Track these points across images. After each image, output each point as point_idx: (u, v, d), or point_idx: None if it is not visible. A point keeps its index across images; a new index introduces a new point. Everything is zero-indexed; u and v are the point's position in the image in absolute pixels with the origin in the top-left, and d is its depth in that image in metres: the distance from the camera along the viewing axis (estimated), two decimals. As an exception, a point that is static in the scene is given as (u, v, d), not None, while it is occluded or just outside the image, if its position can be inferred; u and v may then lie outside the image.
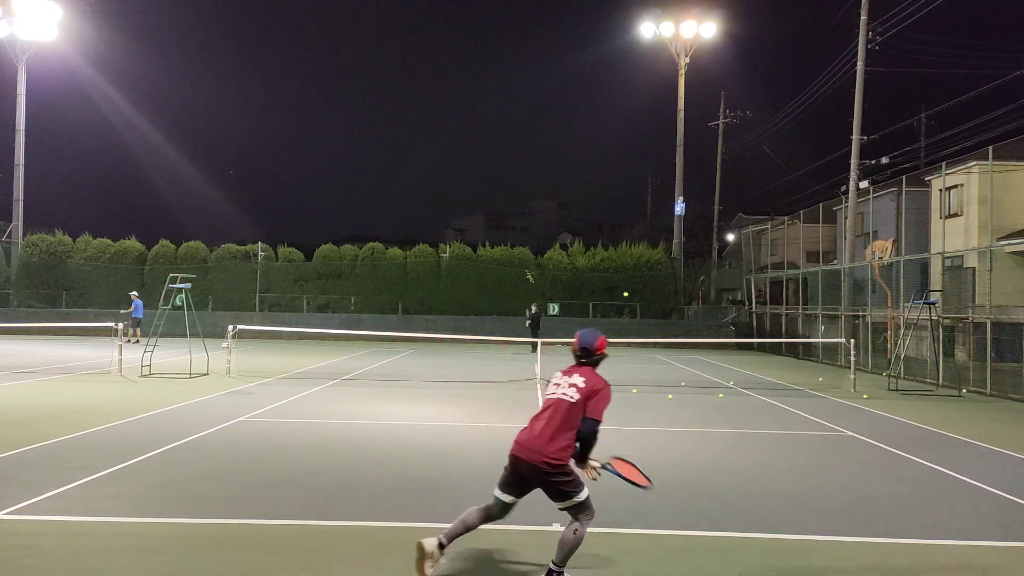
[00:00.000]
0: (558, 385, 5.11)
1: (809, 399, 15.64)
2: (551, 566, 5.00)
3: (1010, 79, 42.10)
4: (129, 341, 26.04)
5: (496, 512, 5.18)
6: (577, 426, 4.97)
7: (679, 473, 8.51)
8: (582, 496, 4.99)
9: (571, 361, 5.30)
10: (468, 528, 5.15)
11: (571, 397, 4.98)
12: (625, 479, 5.36)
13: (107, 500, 6.90)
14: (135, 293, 29.12)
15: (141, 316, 27.56)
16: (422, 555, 4.96)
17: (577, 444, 5.01)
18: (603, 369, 5.33)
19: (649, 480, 5.46)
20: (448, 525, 6.39)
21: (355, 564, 5.47)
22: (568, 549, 4.95)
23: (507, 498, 5.15)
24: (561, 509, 5.05)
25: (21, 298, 36.56)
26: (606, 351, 5.27)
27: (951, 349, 19.87)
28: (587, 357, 5.20)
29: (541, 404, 5.13)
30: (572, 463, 5.03)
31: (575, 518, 5.00)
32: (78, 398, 13.34)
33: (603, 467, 5.28)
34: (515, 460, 5.04)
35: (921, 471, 8.94)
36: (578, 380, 5.04)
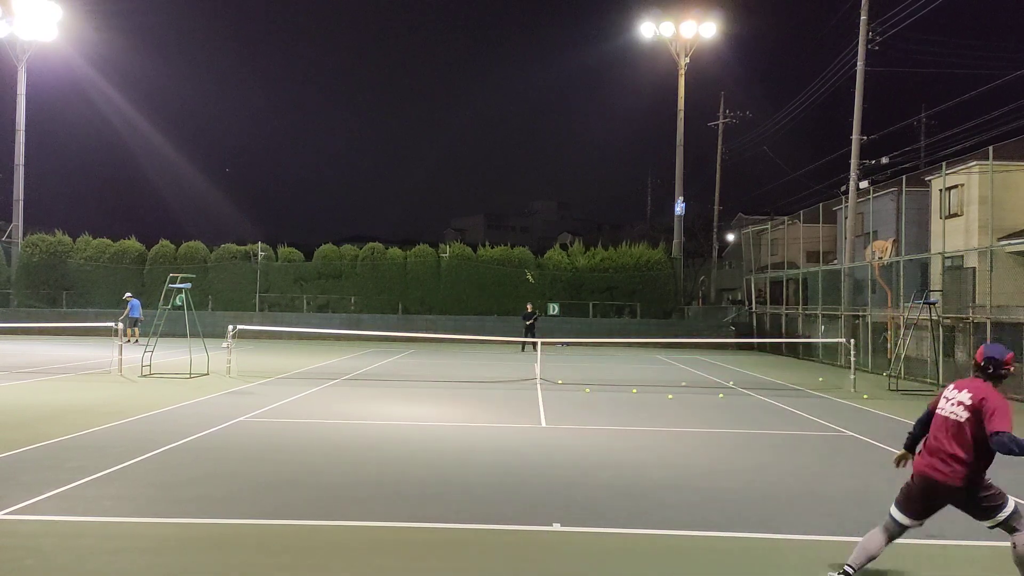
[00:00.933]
0: (947, 400, 5.01)
1: (809, 399, 15.63)
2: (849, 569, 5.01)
3: (1010, 79, 41.98)
4: (128, 341, 25.93)
5: (895, 534, 5.11)
6: (971, 443, 4.83)
7: (679, 473, 8.51)
8: (1008, 510, 4.83)
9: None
10: (872, 556, 5.09)
11: (959, 416, 4.88)
12: None
13: (107, 501, 6.89)
14: (129, 294, 28.85)
15: (139, 315, 27.35)
16: None
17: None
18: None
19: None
20: (448, 526, 6.40)
21: (355, 564, 5.46)
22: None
23: (907, 521, 5.05)
24: (991, 527, 4.93)
25: (21, 298, 36.55)
26: (1011, 368, 5.00)
27: (951, 349, 19.85)
28: (994, 369, 4.96)
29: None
30: (987, 479, 4.94)
31: (1011, 531, 4.85)
32: (78, 398, 13.33)
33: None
34: (923, 477, 4.96)
35: (921, 471, 8.93)
36: (965, 397, 4.90)
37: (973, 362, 5.11)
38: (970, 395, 4.88)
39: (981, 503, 4.85)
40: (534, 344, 26.67)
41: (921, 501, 5.00)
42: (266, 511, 6.68)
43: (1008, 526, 4.83)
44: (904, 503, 5.06)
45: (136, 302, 27.60)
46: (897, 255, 22.46)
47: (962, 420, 4.85)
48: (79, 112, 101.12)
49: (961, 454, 4.83)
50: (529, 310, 29.28)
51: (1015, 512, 4.84)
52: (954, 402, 4.94)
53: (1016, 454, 4.67)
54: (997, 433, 4.68)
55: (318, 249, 37.65)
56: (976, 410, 4.80)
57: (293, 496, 7.19)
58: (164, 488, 7.37)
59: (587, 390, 16.03)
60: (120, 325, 18.75)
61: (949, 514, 7.03)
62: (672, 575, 5.49)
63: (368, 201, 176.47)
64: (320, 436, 10.27)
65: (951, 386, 5.10)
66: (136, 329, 26.97)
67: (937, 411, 5.06)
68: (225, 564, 5.40)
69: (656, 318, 35.13)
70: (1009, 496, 4.91)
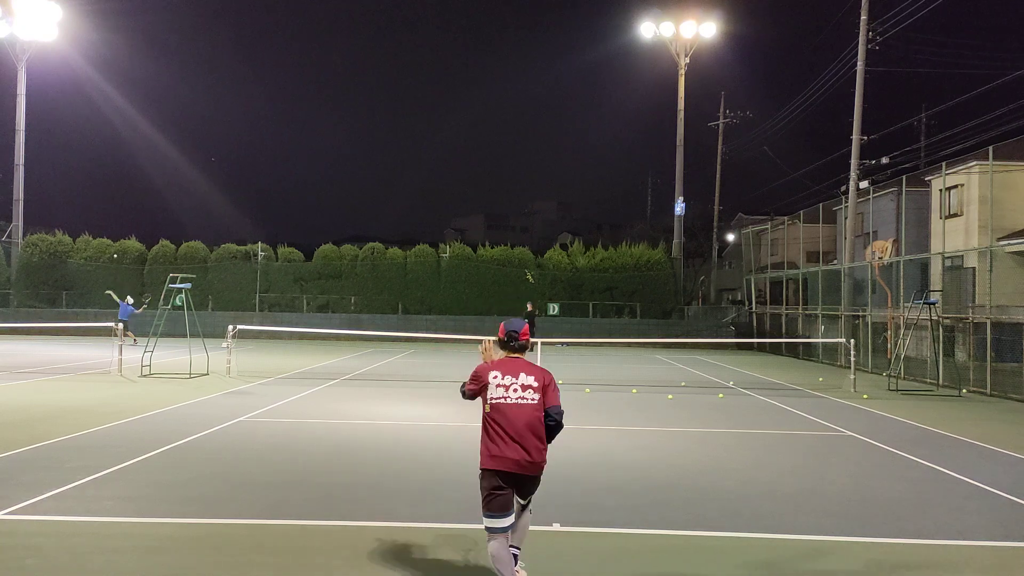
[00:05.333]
0: (508, 388, 4.86)
1: (809, 399, 15.63)
2: (516, 550, 4.98)
3: (1010, 79, 42.05)
4: (133, 343, 25.67)
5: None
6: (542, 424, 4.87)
7: (679, 473, 8.51)
8: None
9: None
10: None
11: (532, 400, 4.85)
12: None
13: (107, 500, 6.90)
14: (129, 297, 28.30)
15: (126, 317, 26.54)
16: None
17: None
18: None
19: None
20: (448, 526, 6.41)
21: (355, 564, 5.46)
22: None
23: (510, 522, 4.88)
24: (525, 505, 5.09)
25: (21, 298, 36.54)
26: (526, 340, 5.16)
27: (951, 349, 19.86)
28: (519, 343, 5.10)
29: (492, 409, 4.85)
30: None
31: (527, 507, 5.12)
32: (78, 398, 13.33)
33: None
34: (519, 478, 4.84)
35: (921, 471, 8.94)
36: (528, 380, 4.90)
37: (498, 338, 5.14)
38: (532, 376, 4.90)
39: (537, 482, 4.96)
40: (537, 344, 26.64)
41: (511, 495, 4.85)
42: (266, 511, 6.68)
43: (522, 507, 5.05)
44: (503, 506, 4.80)
45: (124, 306, 26.57)
46: (897, 255, 22.46)
47: (536, 403, 4.83)
48: (79, 112, 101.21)
49: (542, 440, 4.85)
50: (530, 309, 29.29)
51: None
52: (520, 388, 4.85)
53: (557, 432, 4.93)
54: (557, 406, 4.88)
55: (318, 249, 37.67)
56: (543, 391, 4.87)
57: (293, 496, 7.20)
58: (164, 488, 7.37)
59: (587, 390, 16.03)
60: (120, 326, 18.73)
61: (944, 514, 7.05)
62: (672, 575, 5.49)
63: (368, 201, 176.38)
64: (320, 436, 10.27)
65: (497, 373, 4.91)
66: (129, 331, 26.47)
67: (499, 399, 4.84)
68: (224, 564, 5.41)
69: (656, 318, 35.15)
70: None
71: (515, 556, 4.93)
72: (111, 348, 18.84)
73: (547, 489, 7.60)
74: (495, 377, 4.90)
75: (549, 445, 4.93)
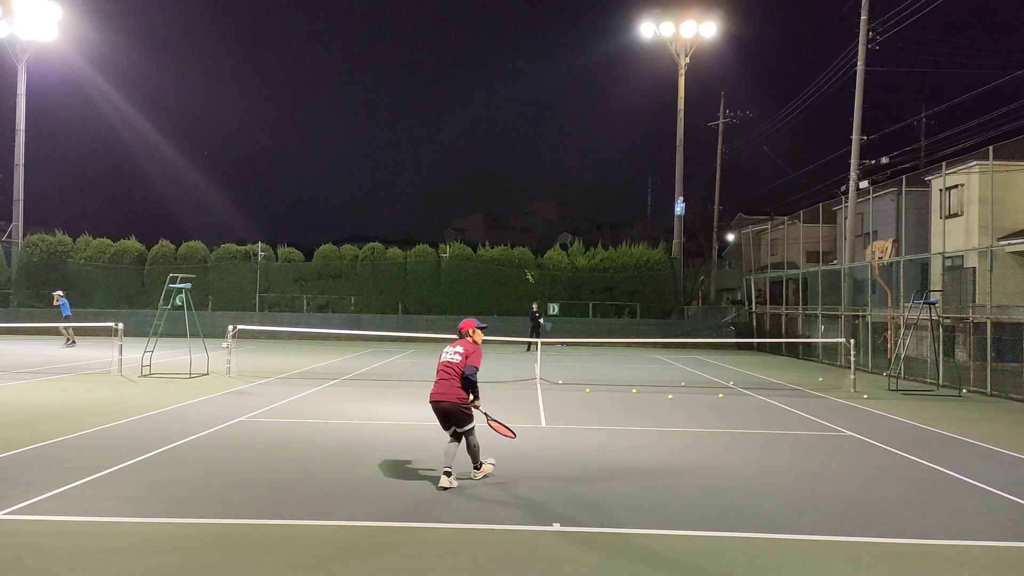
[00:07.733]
0: (446, 353, 7.92)
1: (809, 399, 15.63)
2: (449, 468, 7.57)
3: (1010, 79, 42.01)
4: (69, 343, 25.67)
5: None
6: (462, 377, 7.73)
7: (679, 473, 8.51)
8: (471, 425, 7.80)
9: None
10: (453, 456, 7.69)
11: (455, 359, 7.78)
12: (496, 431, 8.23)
13: (107, 500, 6.90)
14: (60, 292, 27.69)
15: (68, 312, 26.15)
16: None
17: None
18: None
19: (511, 432, 8.25)
20: (448, 525, 6.42)
21: (355, 564, 5.47)
22: (476, 452, 7.95)
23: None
24: (459, 432, 7.76)
25: (21, 298, 36.50)
26: (470, 331, 8.17)
27: (951, 349, 19.84)
28: (460, 335, 8.14)
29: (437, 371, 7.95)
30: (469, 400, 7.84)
31: (466, 437, 7.81)
32: (78, 398, 13.33)
33: (484, 413, 8.09)
34: (437, 404, 7.72)
35: (921, 471, 8.94)
36: (459, 348, 7.87)
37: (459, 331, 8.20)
38: (462, 347, 7.89)
39: (463, 417, 7.75)
40: (537, 344, 26.69)
41: (443, 420, 7.80)
42: (266, 511, 6.68)
43: (470, 433, 7.83)
44: (442, 425, 7.87)
45: (65, 300, 26.59)
46: (897, 255, 22.46)
47: (457, 362, 7.76)
48: (79, 112, 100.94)
49: (459, 383, 7.76)
50: (535, 309, 29.31)
51: (472, 429, 7.82)
52: (452, 352, 7.86)
53: (473, 383, 7.82)
54: (473, 367, 7.79)
55: (318, 249, 37.64)
56: (465, 355, 7.81)
57: (293, 496, 7.20)
58: (164, 488, 7.38)
59: (587, 390, 16.03)
60: (121, 326, 18.66)
61: (944, 514, 7.05)
62: (671, 575, 5.49)
63: (368, 201, 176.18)
64: (320, 436, 10.28)
65: (448, 347, 7.98)
66: (67, 328, 26.09)
67: (441, 362, 7.85)
68: (225, 564, 5.41)
69: (656, 318, 35.14)
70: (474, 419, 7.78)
71: (448, 472, 7.56)
72: (111, 348, 18.83)
73: (547, 489, 7.62)
74: (444, 353, 7.96)
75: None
